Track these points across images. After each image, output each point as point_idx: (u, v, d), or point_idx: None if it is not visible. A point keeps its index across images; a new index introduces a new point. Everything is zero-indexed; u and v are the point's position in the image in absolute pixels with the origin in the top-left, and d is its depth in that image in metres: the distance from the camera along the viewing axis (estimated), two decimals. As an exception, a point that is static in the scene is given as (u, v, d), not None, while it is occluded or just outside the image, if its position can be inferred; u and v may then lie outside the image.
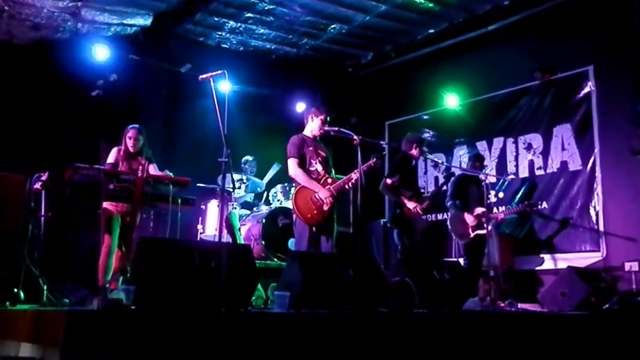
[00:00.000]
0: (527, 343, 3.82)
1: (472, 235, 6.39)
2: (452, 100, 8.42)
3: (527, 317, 4.23)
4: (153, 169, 5.32)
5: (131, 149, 5.34)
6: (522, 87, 7.88)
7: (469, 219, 6.40)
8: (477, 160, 6.70)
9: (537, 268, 7.33)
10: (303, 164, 5.10)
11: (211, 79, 4.46)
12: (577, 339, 4.15)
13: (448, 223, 6.61)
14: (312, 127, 5.21)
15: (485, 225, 6.17)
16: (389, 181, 5.95)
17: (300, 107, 7.81)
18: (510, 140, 7.99)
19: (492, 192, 7.52)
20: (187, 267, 3.07)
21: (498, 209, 7.21)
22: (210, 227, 6.75)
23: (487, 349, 3.59)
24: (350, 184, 5.01)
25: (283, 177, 6.76)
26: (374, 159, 5.01)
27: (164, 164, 5.43)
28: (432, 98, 8.66)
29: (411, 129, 8.76)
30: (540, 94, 7.72)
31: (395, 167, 6.12)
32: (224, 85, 4.61)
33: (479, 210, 6.35)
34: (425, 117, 9.08)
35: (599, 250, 6.95)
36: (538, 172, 7.67)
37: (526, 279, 7.25)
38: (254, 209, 7.22)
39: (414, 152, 6.08)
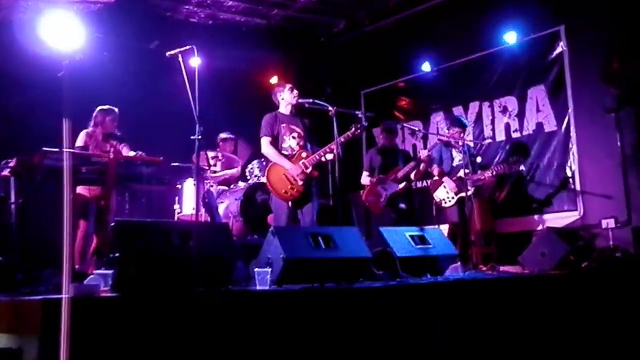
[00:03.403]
0: (510, 305, 3.80)
1: (455, 198, 6.40)
2: (426, 66, 8.29)
3: (508, 280, 4.22)
4: (126, 150, 5.27)
5: (109, 131, 5.29)
6: (495, 50, 7.78)
7: (450, 184, 6.43)
8: (455, 125, 6.73)
9: (517, 230, 7.31)
10: (276, 142, 5.14)
11: (180, 55, 4.46)
12: (558, 298, 4.14)
13: (431, 189, 6.63)
14: (286, 101, 5.21)
15: (466, 190, 6.16)
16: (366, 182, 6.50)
17: (273, 80, 7.70)
18: (485, 104, 7.95)
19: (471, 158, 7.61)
20: (165, 249, 3.00)
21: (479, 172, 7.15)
22: (187, 207, 6.61)
23: (471, 313, 3.54)
24: (326, 156, 5.02)
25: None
26: (353, 129, 5.01)
27: (136, 145, 5.32)
28: (408, 65, 8.54)
29: (387, 98, 8.84)
30: (513, 57, 7.63)
31: (369, 166, 6.53)
32: (194, 61, 4.62)
33: (460, 173, 6.31)
34: (400, 84, 8.95)
35: (576, 210, 7.01)
36: (514, 135, 7.67)
37: (507, 241, 7.20)
38: (231, 186, 7.01)
39: (381, 139, 6.61)
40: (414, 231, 4.43)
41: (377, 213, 6.42)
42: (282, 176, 5.00)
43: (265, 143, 5.15)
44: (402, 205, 6.42)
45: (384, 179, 6.46)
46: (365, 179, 6.63)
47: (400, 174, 6.41)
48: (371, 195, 6.51)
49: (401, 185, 6.38)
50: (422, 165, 6.45)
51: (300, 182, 4.98)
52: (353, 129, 5.03)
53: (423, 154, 6.47)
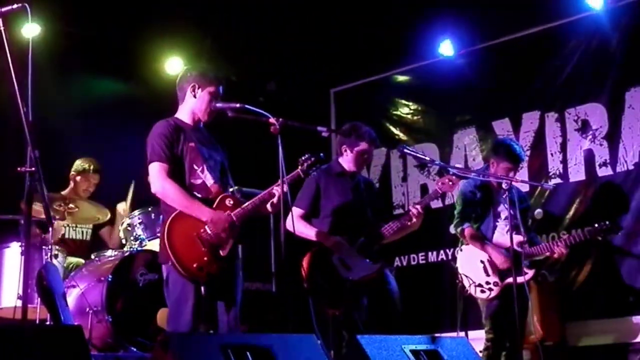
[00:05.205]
0: None
1: (500, 285, 6.34)
2: (447, 48, 8.18)
3: None
4: None
5: None
6: (571, 20, 7.55)
7: (496, 256, 6.35)
8: (499, 155, 6.40)
9: (607, 342, 7.19)
10: (178, 173, 5.06)
11: (-1, 20, 4.73)
12: None
13: (458, 266, 6.55)
14: (194, 105, 5.22)
15: (519, 270, 6.07)
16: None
17: (172, 64, 7.83)
18: (551, 117, 7.78)
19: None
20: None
21: (541, 237, 6.83)
22: (8, 295, 6.53)
23: None
24: (270, 206, 5.11)
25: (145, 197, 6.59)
26: (305, 160, 5.12)
27: None
28: (413, 44, 8.36)
29: (375, 100, 8.61)
30: (601, 33, 7.37)
31: (312, 202, 6.18)
32: (28, 29, 4.79)
33: (517, 238, 6.08)
34: (400, 78, 8.76)
35: None
36: (603, 172, 7.42)
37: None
38: (92, 256, 6.95)
39: (349, 155, 6.19)
40: (419, 342, 4.54)
41: (330, 311, 6.06)
42: (192, 236, 4.94)
43: (158, 173, 5.00)
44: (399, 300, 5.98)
45: (350, 246, 6.00)
46: (300, 224, 6.07)
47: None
48: (319, 273, 6.05)
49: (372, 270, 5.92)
50: (413, 222, 6.01)
51: (226, 248, 4.99)
52: (306, 160, 5.13)
53: (413, 208, 5.98)
